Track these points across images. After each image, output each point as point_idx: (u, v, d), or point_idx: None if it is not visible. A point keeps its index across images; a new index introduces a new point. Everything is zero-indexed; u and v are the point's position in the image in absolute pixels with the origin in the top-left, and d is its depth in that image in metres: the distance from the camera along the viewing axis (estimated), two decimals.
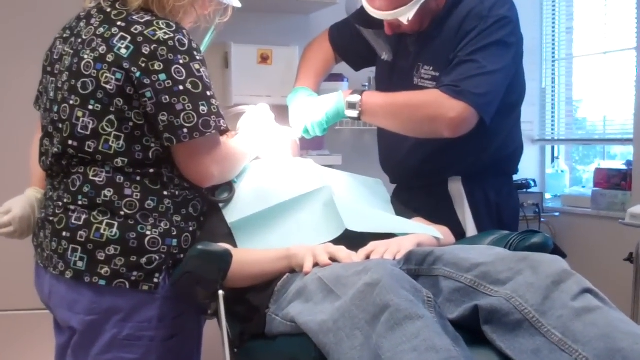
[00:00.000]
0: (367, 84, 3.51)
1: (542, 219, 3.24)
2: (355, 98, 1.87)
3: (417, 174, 2.02)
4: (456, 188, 1.98)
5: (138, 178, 1.56)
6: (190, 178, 1.60)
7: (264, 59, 2.91)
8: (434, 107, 1.77)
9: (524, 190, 3.27)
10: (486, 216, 1.97)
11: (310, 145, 2.95)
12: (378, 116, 1.88)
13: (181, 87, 1.50)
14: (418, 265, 1.38)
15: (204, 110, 1.52)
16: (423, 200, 1.99)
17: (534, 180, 3.34)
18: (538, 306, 1.17)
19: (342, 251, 1.42)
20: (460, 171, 1.98)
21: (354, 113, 1.87)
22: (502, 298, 1.20)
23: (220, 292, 1.45)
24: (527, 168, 3.43)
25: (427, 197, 2.01)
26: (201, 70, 1.53)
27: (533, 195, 3.28)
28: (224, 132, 1.58)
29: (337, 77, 2.99)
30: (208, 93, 1.54)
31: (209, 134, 1.52)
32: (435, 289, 1.31)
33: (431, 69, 1.89)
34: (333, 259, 1.40)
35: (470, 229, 1.96)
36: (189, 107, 1.50)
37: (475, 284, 1.26)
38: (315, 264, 1.39)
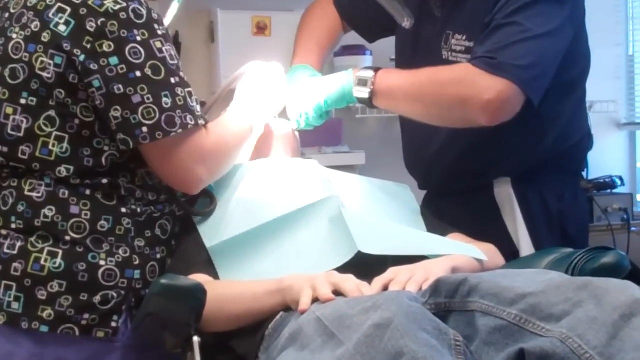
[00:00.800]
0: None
1: (632, 228, 3.20)
2: (367, 73, 1.88)
3: (452, 175, 2.02)
4: (504, 193, 1.98)
5: (87, 192, 1.58)
6: (172, 185, 1.64)
7: (261, 28, 2.93)
8: (464, 86, 1.76)
9: (608, 191, 3.24)
10: (545, 229, 1.97)
11: (322, 140, 2.98)
12: (395, 98, 1.88)
13: (138, 74, 1.52)
14: (449, 298, 1.37)
15: (167, 104, 1.53)
16: (461, 210, 2.00)
17: (620, 178, 3.29)
18: (602, 348, 1.16)
19: (348, 282, 1.42)
20: (509, 170, 1.97)
21: (364, 92, 1.87)
22: (556, 339, 1.19)
23: (196, 339, 1.46)
24: (610, 162, 3.41)
25: (466, 205, 2.01)
26: (164, 49, 1.55)
27: (620, 198, 3.24)
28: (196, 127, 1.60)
29: (357, 50, 3.01)
30: (173, 80, 1.55)
31: (174, 134, 1.54)
32: (471, 328, 1.31)
33: (464, 38, 1.89)
34: (337, 292, 1.41)
35: (525, 246, 1.95)
36: (148, 99, 1.52)
37: (522, 321, 1.25)
38: (315, 299, 1.40)
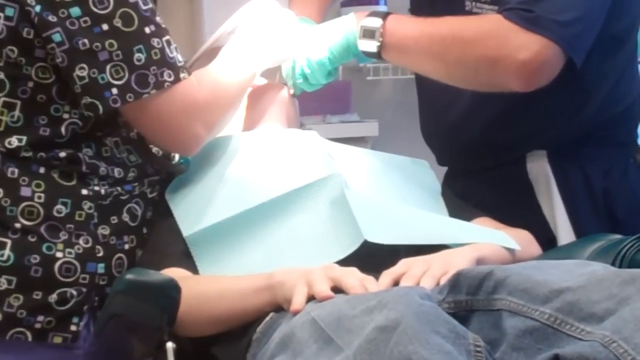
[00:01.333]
0: None
1: None
2: (375, 22, 1.86)
3: (477, 148, 2.02)
4: (539, 169, 1.99)
5: (42, 170, 1.59)
6: (167, 148, 1.69)
7: None
8: (495, 43, 1.75)
9: None
10: (588, 211, 1.97)
11: (327, 107, 2.98)
12: (408, 52, 1.87)
13: (105, 27, 1.53)
14: (471, 295, 1.37)
15: (139, 60, 1.55)
16: (487, 189, 2.00)
17: None
18: None
19: (350, 276, 1.42)
20: (545, 142, 1.96)
21: (371, 45, 1.86)
22: (598, 342, 1.19)
23: (169, 345, 1.46)
24: None
25: (494, 184, 2.01)
26: None
27: None
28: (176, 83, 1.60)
29: None
30: (147, 29, 1.56)
31: (147, 95, 1.55)
32: (497, 330, 1.31)
33: None
34: (337, 289, 1.41)
35: (563, 232, 1.96)
36: (117, 55, 1.53)
37: (557, 322, 1.25)
38: (311, 297, 1.40)
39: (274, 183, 1.71)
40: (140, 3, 1.56)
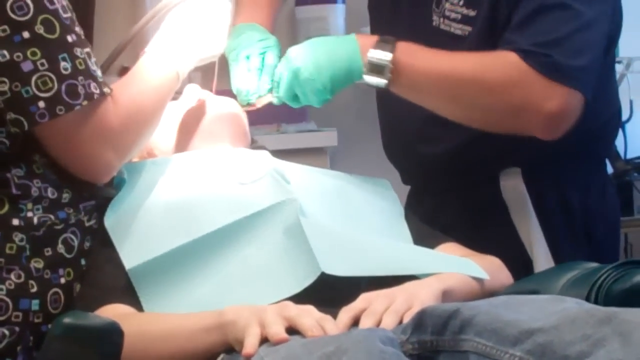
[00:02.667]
0: None
1: None
2: (384, 55, 1.86)
3: (445, 166, 2.04)
4: (514, 188, 2.01)
5: None
6: (77, 174, 1.65)
7: None
8: (520, 91, 1.80)
9: None
10: (565, 231, 2.01)
11: (281, 115, 2.96)
12: (420, 89, 1.89)
13: (26, 34, 1.52)
14: (436, 335, 1.38)
15: (66, 69, 1.54)
16: (456, 210, 2.02)
17: None
18: None
19: (307, 316, 1.42)
20: (520, 159, 1.99)
21: (379, 80, 1.86)
22: None
23: None
24: None
25: (464, 205, 2.04)
26: None
27: None
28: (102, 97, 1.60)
29: None
30: (69, 38, 1.56)
31: (79, 107, 1.55)
32: None
33: (460, 2, 1.91)
34: (293, 330, 1.41)
35: (540, 254, 1.99)
36: (42, 65, 1.53)
37: None
38: (265, 339, 1.40)
39: (222, 210, 1.71)
40: (60, 10, 1.56)
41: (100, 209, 1.75)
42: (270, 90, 1.98)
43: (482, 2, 1.85)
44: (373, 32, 2.19)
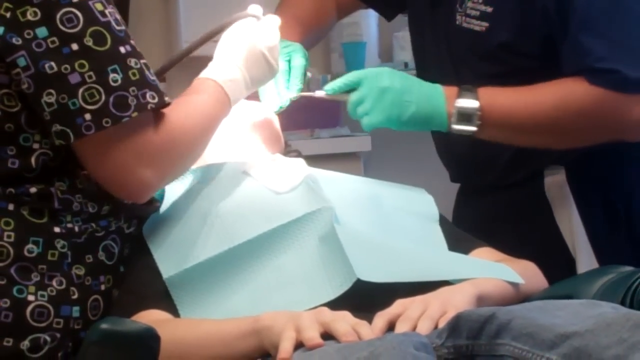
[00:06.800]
0: None
1: None
2: (470, 104, 1.88)
3: (491, 164, 2.05)
4: (557, 186, 2.01)
5: (11, 206, 1.59)
6: (112, 192, 1.64)
7: None
8: (604, 114, 1.85)
9: None
10: (609, 232, 2.00)
11: (315, 120, 2.97)
12: (508, 132, 1.91)
13: (75, 46, 1.52)
14: (472, 339, 1.38)
15: (116, 80, 1.53)
16: (503, 209, 2.03)
17: None
18: None
19: (342, 321, 1.43)
20: (563, 157, 1.98)
21: (467, 130, 1.89)
22: None
23: None
24: None
25: (510, 203, 2.05)
26: (107, 11, 1.55)
27: None
28: (160, 108, 1.60)
29: None
30: (122, 49, 1.55)
31: (128, 118, 1.54)
32: None
33: (481, 0, 1.91)
34: (328, 335, 1.42)
35: (583, 255, 1.98)
36: (90, 77, 1.52)
37: None
38: (300, 344, 1.41)
39: (258, 219, 1.71)
40: (113, 23, 1.55)
41: (140, 216, 1.76)
42: (300, 91, 2.01)
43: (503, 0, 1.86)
44: (411, 33, 2.24)
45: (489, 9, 1.89)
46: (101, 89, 1.53)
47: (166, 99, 1.60)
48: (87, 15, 1.53)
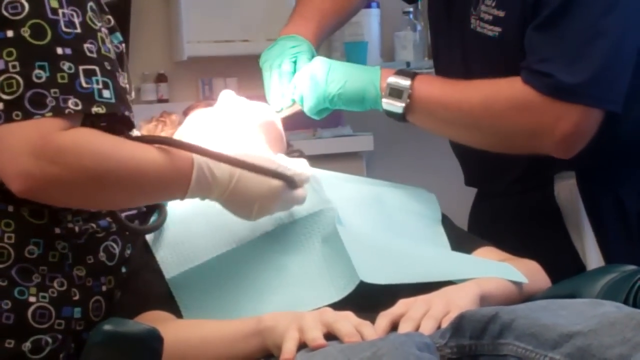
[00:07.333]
0: (410, 11, 3.54)
1: None
2: (402, 81, 1.89)
3: (501, 168, 2.04)
4: (568, 192, 2.01)
5: (10, 208, 1.59)
6: (5, 182, 1.52)
7: None
8: (529, 115, 1.81)
9: None
10: (620, 238, 1.99)
11: (317, 120, 2.96)
12: (436, 119, 1.92)
13: (10, 33, 1.47)
14: (475, 339, 1.38)
15: (40, 77, 1.47)
16: (515, 214, 2.02)
17: None
18: None
19: (345, 322, 1.43)
20: (574, 163, 1.96)
21: (396, 105, 1.89)
22: None
23: None
24: None
25: (521, 209, 2.04)
26: (62, 10, 1.50)
27: None
28: (105, 117, 1.52)
29: None
30: (60, 50, 1.49)
31: (39, 117, 1.46)
32: None
33: (493, 3, 1.90)
34: (331, 335, 1.42)
35: (593, 262, 1.97)
36: (14, 67, 1.47)
37: None
38: (303, 344, 1.41)
39: (260, 220, 1.70)
40: (63, 23, 1.50)
41: (141, 217, 1.76)
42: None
43: (512, 3, 1.85)
44: (432, 38, 2.26)
45: (501, 13, 1.88)
46: (21, 81, 1.46)
47: (94, 109, 1.49)
48: (34, 7, 1.48)
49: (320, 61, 1.96)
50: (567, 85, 1.77)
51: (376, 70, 1.93)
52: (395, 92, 1.89)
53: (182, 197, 1.61)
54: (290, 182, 1.65)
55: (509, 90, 1.85)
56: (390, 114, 1.91)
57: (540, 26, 1.81)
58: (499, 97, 1.85)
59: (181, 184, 1.58)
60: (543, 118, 1.80)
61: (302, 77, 1.96)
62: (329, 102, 1.94)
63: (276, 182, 1.63)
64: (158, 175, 1.56)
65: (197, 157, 1.58)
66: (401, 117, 1.90)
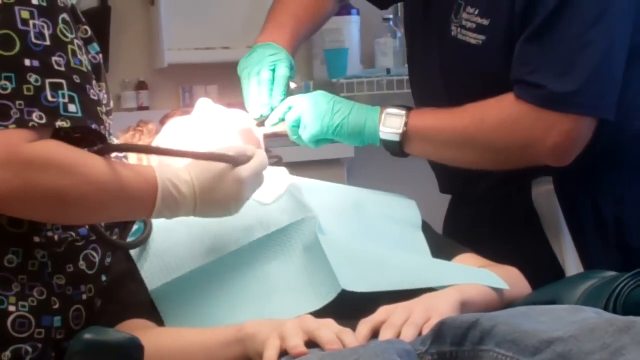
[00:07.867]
0: (390, 18, 3.55)
1: None
2: (398, 112, 1.92)
3: (477, 175, 2.03)
4: (546, 198, 2.00)
5: None
6: None
7: None
8: (520, 128, 1.83)
9: None
10: (598, 243, 1.99)
11: None
12: (433, 143, 1.94)
13: None
14: (456, 346, 1.38)
15: (6, 88, 1.45)
16: (492, 220, 2.02)
17: None
18: None
19: (326, 329, 1.42)
20: (552, 168, 1.96)
21: (393, 135, 1.91)
22: None
23: None
24: None
25: (498, 215, 2.04)
26: (33, 23, 1.47)
27: None
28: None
29: (342, 9, 3.02)
30: (28, 62, 1.47)
31: (2, 127, 1.43)
32: None
33: (476, 12, 1.90)
34: (312, 344, 1.42)
35: (572, 267, 1.97)
36: None
37: None
38: (284, 352, 1.41)
39: (243, 230, 1.71)
40: (33, 35, 1.48)
41: (121, 225, 1.75)
42: (282, 101, 2.01)
43: (498, 12, 1.85)
44: (407, 43, 2.26)
45: (486, 22, 1.88)
46: None
47: (59, 123, 1.47)
48: (5, 17, 1.47)
49: (324, 93, 1.98)
50: (559, 95, 1.78)
51: (376, 108, 1.95)
52: (392, 121, 1.92)
53: (148, 216, 1.61)
54: (233, 161, 1.62)
55: (499, 105, 1.87)
56: (388, 144, 1.93)
57: (531, 38, 1.82)
58: (491, 113, 1.86)
59: (146, 202, 1.56)
60: (534, 129, 1.81)
61: (303, 104, 1.96)
62: (332, 132, 1.95)
63: (221, 165, 1.62)
64: (122, 193, 1.54)
65: (160, 176, 1.56)
66: (398, 147, 1.93)
